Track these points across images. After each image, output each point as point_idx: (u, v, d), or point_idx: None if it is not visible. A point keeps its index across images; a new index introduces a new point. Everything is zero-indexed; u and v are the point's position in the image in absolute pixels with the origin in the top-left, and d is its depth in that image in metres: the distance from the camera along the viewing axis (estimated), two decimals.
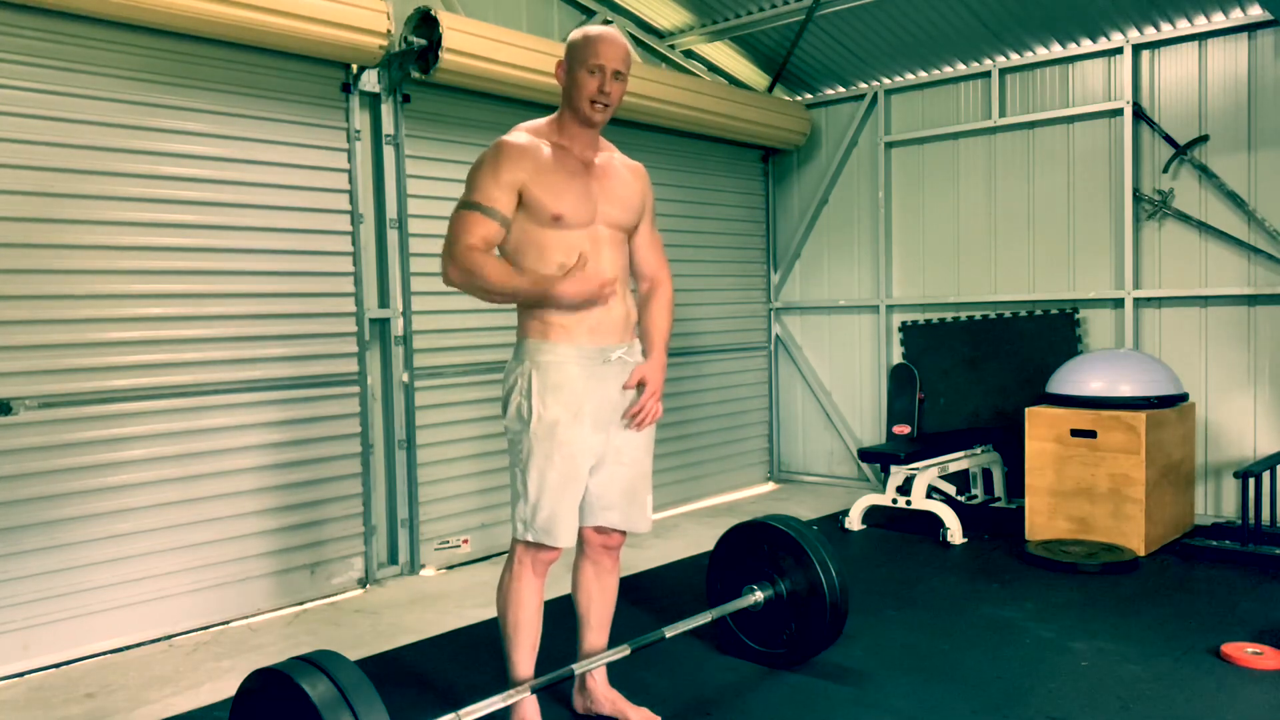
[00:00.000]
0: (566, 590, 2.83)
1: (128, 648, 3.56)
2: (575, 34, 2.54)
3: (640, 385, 2.59)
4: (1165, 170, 5.09)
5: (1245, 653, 3.12)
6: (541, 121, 2.60)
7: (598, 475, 2.59)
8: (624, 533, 2.72)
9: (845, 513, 5.28)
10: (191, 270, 3.74)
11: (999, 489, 5.49)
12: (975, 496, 5.54)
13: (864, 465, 6.25)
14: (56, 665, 3.39)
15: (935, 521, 4.98)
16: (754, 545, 3.18)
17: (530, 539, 2.53)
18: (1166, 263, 5.13)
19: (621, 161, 2.68)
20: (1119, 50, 5.18)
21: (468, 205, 2.46)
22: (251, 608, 3.92)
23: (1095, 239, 5.34)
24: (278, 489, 4.00)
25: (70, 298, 3.43)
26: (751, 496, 6.27)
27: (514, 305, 2.55)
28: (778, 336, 6.66)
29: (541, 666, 2.65)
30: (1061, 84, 5.43)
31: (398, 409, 4.44)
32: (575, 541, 2.59)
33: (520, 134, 2.55)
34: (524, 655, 2.61)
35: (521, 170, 2.45)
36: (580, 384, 2.49)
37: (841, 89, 6.28)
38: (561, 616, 2.95)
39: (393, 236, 4.41)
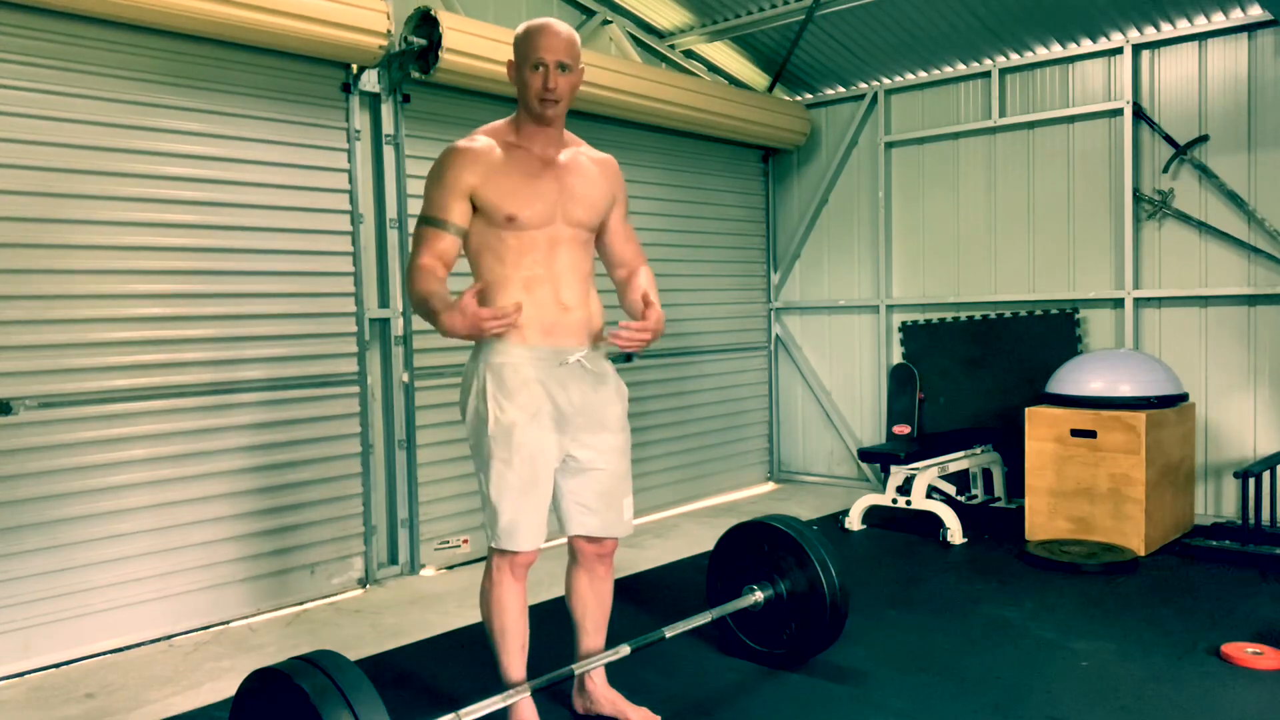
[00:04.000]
0: (560, 592, 2.82)
1: (128, 648, 3.56)
2: (519, 29, 2.49)
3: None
4: (1165, 170, 5.09)
5: (1245, 653, 3.12)
6: (500, 123, 2.57)
7: (572, 481, 2.57)
8: (615, 539, 2.71)
9: (845, 513, 5.28)
10: (192, 270, 3.74)
11: (999, 489, 5.49)
12: (975, 496, 5.54)
13: (864, 465, 6.25)
14: (56, 665, 3.39)
15: (935, 521, 4.98)
16: (754, 545, 3.18)
17: (494, 545, 2.51)
18: (1166, 263, 5.12)
19: (589, 157, 2.63)
20: (1119, 50, 5.18)
21: (422, 220, 2.44)
22: (251, 608, 3.92)
23: (1095, 239, 5.34)
24: (278, 489, 3.99)
25: (70, 298, 3.43)
26: (751, 496, 6.26)
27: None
28: (778, 336, 6.66)
29: (541, 666, 2.65)
30: (1061, 84, 5.43)
31: (398, 409, 4.44)
32: (542, 544, 2.56)
33: (475, 138, 2.50)
34: (513, 659, 2.60)
35: (471, 174, 2.42)
36: (536, 386, 2.46)
37: (841, 89, 6.28)
38: (560, 616, 2.94)
39: (393, 236, 4.41)
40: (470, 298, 2.24)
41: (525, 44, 2.45)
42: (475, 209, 2.45)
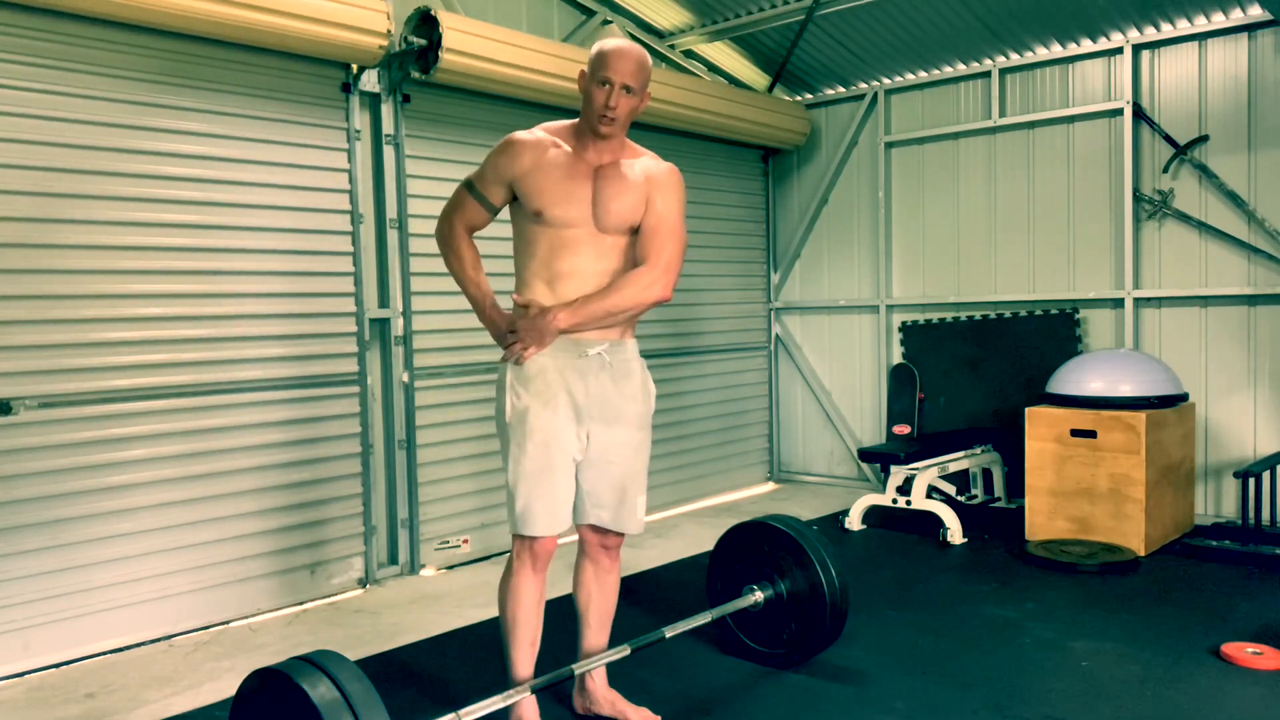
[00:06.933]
0: (568, 590, 2.83)
1: (128, 648, 3.56)
2: (595, 46, 2.58)
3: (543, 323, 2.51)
4: (1165, 170, 5.09)
5: (1245, 653, 3.12)
6: (563, 123, 2.67)
7: (587, 473, 2.60)
8: (621, 533, 2.72)
9: (845, 513, 5.28)
10: (191, 270, 3.74)
11: (999, 489, 5.49)
12: (975, 496, 5.54)
13: (864, 465, 6.25)
14: (56, 665, 3.39)
15: (935, 521, 4.98)
16: (754, 545, 3.18)
17: (513, 530, 2.56)
18: (1166, 263, 5.13)
19: (643, 166, 2.65)
20: (1119, 50, 5.18)
21: (470, 185, 2.66)
22: (251, 608, 3.92)
23: (1095, 239, 5.34)
24: (278, 489, 4.00)
25: (70, 298, 3.43)
26: (751, 496, 6.27)
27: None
28: (778, 336, 6.66)
29: (542, 666, 2.65)
30: (1061, 84, 5.43)
31: (398, 409, 4.44)
32: (558, 531, 2.58)
33: (534, 131, 2.62)
34: (523, 653, 2.61)
35: (517, 166, 2.56)
36: (553, 375, 2.52)
37: (841, 89, 6.28)
38: (562, 617, 2.95)
39: (393, 236, 4.41)
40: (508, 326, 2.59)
41: (598, 61, 2.54)
42: (515, 198, 2.60)
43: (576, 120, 2.64)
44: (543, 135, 2.61)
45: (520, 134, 2.61)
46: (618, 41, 2.58)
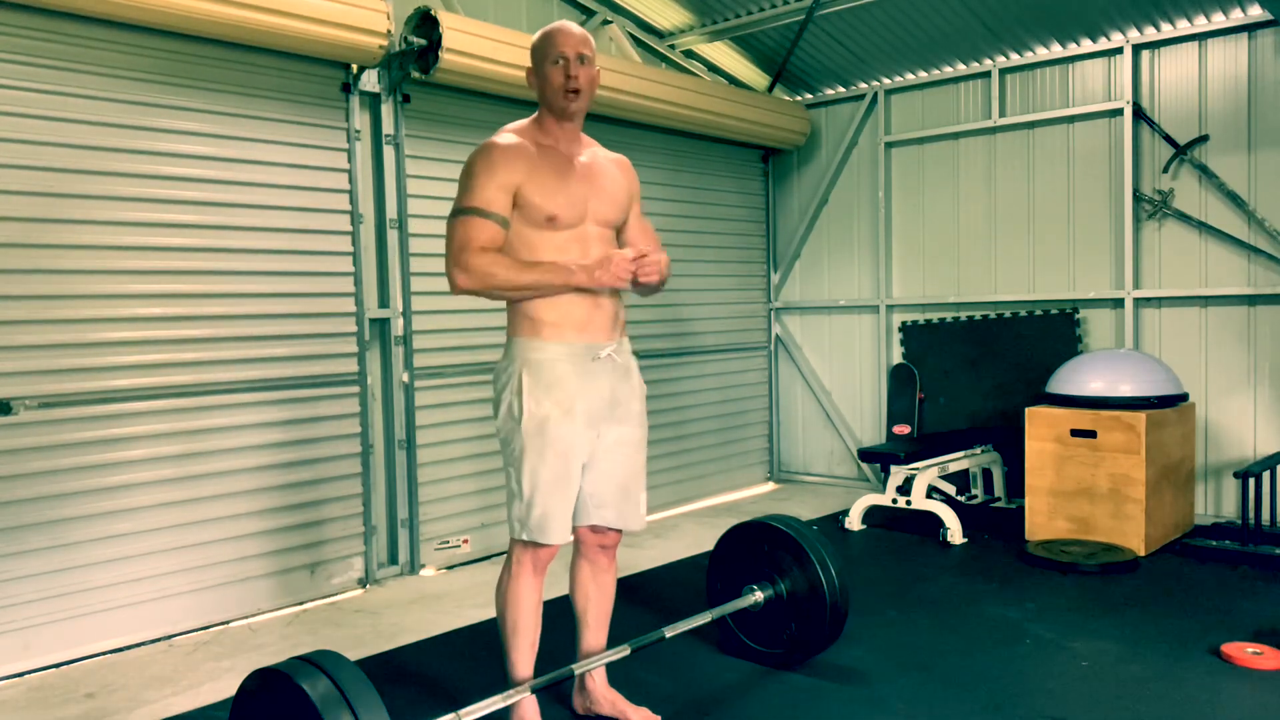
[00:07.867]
0: (566, 590, 2.83)
1: (128, 648, 3.56)
2: (535, 36, 2.58)
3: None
4: (1165, 170, 5.09)
5: (1245, 653, 3.12)
6: (523, 123, 2.61)
7: (591, 473, 2.59)
8: (619, 531, 2.72)
9: (845, 513, 5.28)
10: (191, 270, 3.74)
11: (999, 489, 5.49)
12: (975, 496, 5.54)
13: (864, 465, 6.25)
14: (56, 665, 3.39)
15: (935, 521, 4.98)
16: (754, 545, 3.18)
17: (525, 538, 2.53)
18: (1166, 263, 5.13)
19: (605, 156, 2.69)
20: (1119, 50, 5.18)
21: (466, 211, 2.44)
22: (251, 608, 3.92)
23: (1095, 239, 5.34)
24: (278, 489, 4.00)
25: (70, 298, 3.43)
26: (751, 496, 6.26)
27: (504, 305, 2.57)
28: (778, 336, 6.66)
29: (541, 666, 2.65)
30: (1061, 84, 5.43)
31: (398, 409, 4.44)
32: (570, 538, 2.59)
33: (507, 135, 2.55)
34: (523, 655, 2.61)
35: (516, 171, 2.46)
36: (572, 381, 2.50)
37: (841, 89, 6.28)
38: (561, 616, 2.95)
39: (393, 236, 4.41)
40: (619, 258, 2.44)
41: (543, 43, 2.52)
42: (514, 205, 2.49)
43: (533, 117, 2.61)
44: (518, 139, 2.54)
45: (500, 140, 2.52)
46: (554, 23, 2.57)
